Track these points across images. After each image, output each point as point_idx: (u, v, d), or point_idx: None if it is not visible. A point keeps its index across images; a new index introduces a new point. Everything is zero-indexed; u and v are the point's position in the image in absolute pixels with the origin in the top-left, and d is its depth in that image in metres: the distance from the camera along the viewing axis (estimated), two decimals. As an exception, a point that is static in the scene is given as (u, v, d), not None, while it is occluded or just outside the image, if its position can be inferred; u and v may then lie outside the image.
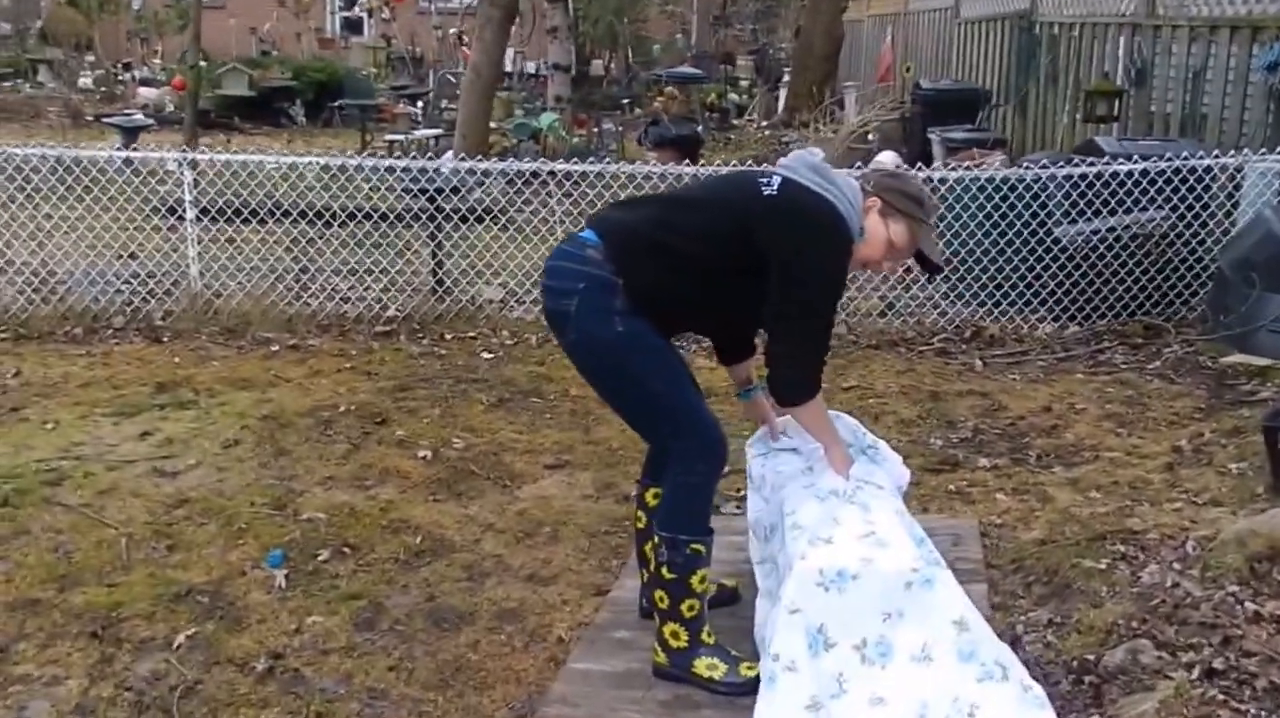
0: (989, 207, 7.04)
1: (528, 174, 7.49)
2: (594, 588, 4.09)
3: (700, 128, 15.52)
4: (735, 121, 17.52)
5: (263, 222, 7.60)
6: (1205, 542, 3.91)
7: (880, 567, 3.12)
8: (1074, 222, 6.93)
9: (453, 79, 16.89)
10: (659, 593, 3.36)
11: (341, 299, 7.48)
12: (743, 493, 4.10)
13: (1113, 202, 6.89)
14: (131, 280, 7.66)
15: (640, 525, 3.59)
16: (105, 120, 15.79)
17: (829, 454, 3.46)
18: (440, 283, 7.59)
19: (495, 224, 8.03)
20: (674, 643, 3.37)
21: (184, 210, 7.48)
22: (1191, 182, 6.83)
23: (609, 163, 7.19)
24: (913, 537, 3.32)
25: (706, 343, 3.85)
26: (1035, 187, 6.97)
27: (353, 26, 27.77)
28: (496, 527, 4.62)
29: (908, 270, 3.62)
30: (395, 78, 21.62)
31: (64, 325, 7.38)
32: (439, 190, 7.28)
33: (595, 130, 15.03)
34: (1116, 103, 9.57)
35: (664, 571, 3.32)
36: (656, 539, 3.34)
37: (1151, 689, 3.14)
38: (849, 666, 3.06)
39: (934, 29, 15.09)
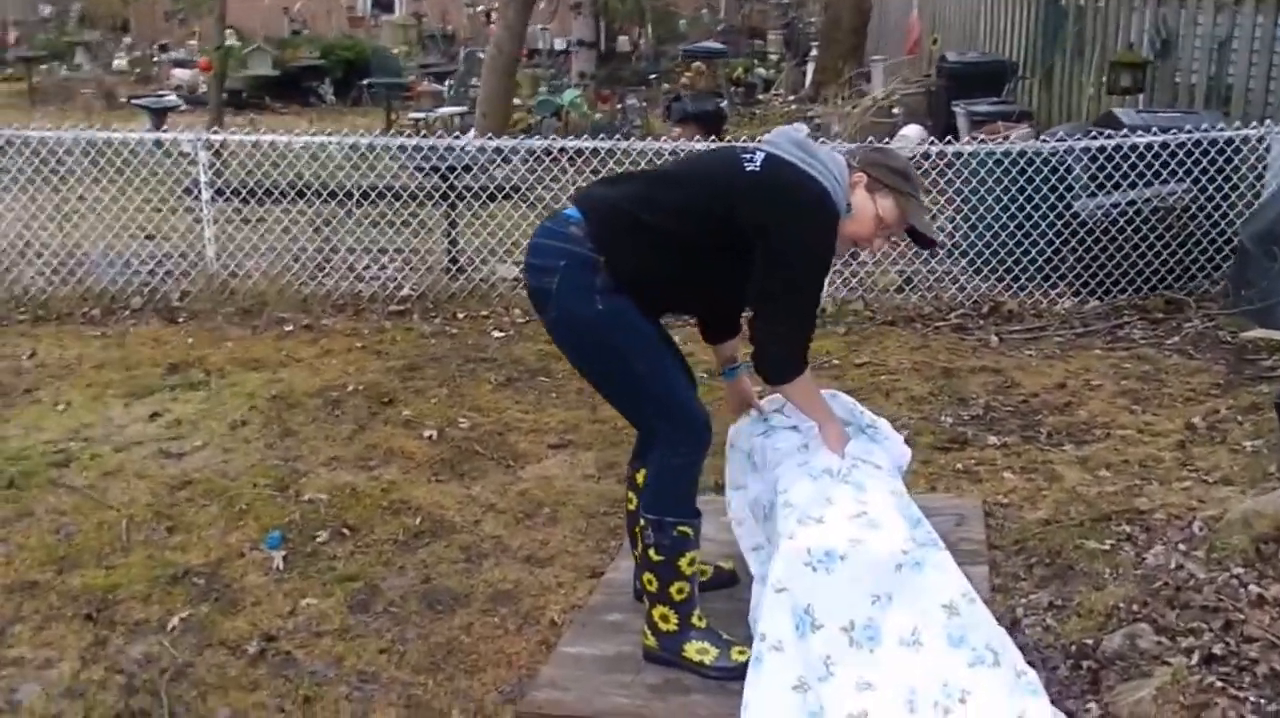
0: (1007, 180, 6.92)
1: (555, 151, 7.39)
2: (590, 570, 4.06)
3: (725, 103, 15.39)
4: (761, 96, 17.36)
5: (277, 201, 7.56)
6: (1212, 522, 3.83)
7: (870, 548, 3.07)
8: (1093, 195, 6.80)
9: (481, 56, 16.81)
10: (647, 576, 3.32)
11: (356, 278, 7.46)
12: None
13: (1132, 174, 6.75)
14: (149, 261, 7.68)
15: (632, 507, 3.54)
16: (134, 102, 15.84)
17: (823, 431, 3.40)
18: (454, 261, 7.56)
19: (514, 202, 7.97)
20: (663, 627, 3.32)
21: (199, 191, 7.47)
22: (1213, 154, 6.69)
23: (618, 139, 7.06)
24: (908, 518, 3.27)
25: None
26: (1054, 160, 6.84)
27: (384, 5, 27.72)
28: (497, 507, 4.59)
29: (915, 244, 3.54)
30: (425, 56, 21.57)
31: (82, 307, 7.40)
32: (451, 169, 7.24)
33: (619, 107, 14.92)
34: (1141, 74, 9.38)
35: (651, 553, 3.28)
36: (643, 522, 3.29)
37: (1149, 676, 3.07)
38: (836, 648, 3.02)
39: (961, 1, 14.88)
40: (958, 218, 7.56)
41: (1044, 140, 6.95)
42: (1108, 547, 3.85)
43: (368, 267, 7.54)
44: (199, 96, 18.04)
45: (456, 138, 7.86)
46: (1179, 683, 2.98)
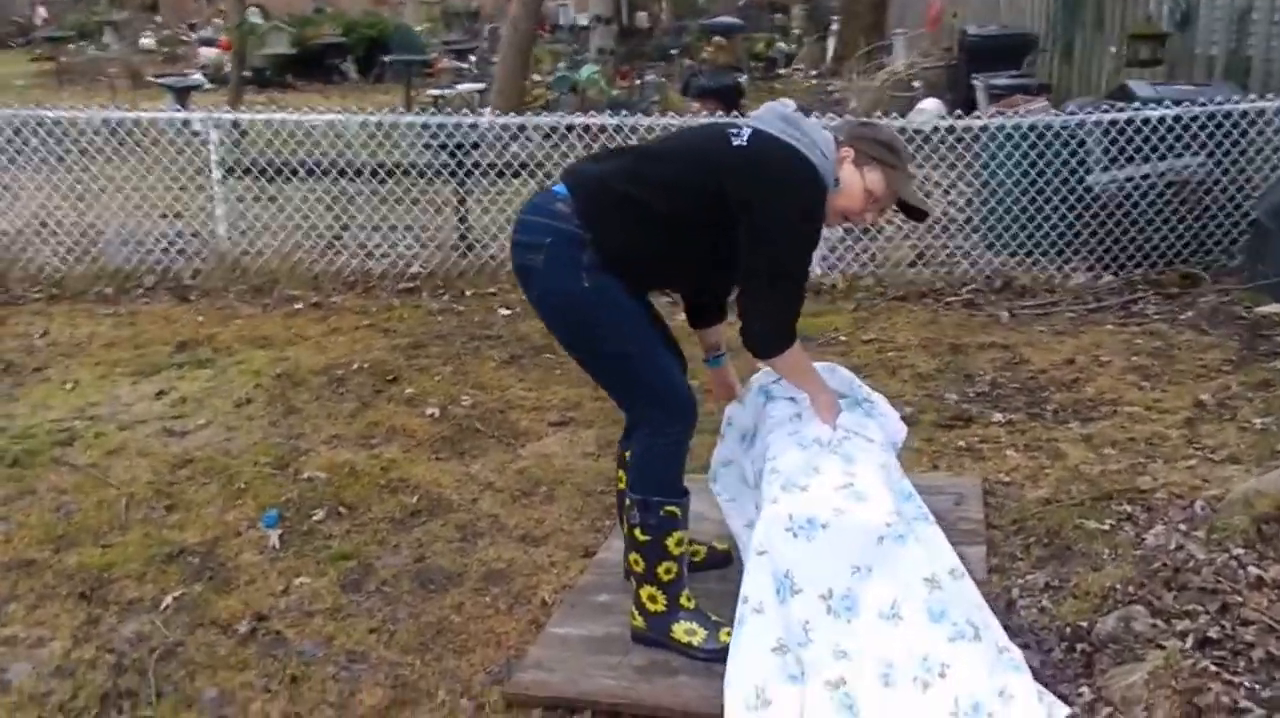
0: (1017, 155, 6.83)
1: (578, 128, 7.32)
2: (583, 549, 4.03)
3: (744, 78, 15.28)
4: (781, 71, 17.23)
5: (287, 180, 7.54)
6: (1215, 502, 3.76)
7: (852, 519, 3.05)
8: (1106, 169, 6.70)
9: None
10: (633, 556, 3.29)
11: (366, 256, 7.45)
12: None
13: (1145, 148, 6.64)
14: (162, 240, 7.69)
15: (622, 486, 3.52)
16: (157, 81, 15.89)
17: (814, 402, 3.38)
18: (463, 238, 7.53)
19: (522, 179, 7.92)
20: (651, 607, 3.30)
21: (209, 170, 7.47)
22: (1228, 126, 6.57)
23: (624, 115, 7.00)
24: (898, 492, 3.24)
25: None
26: (1065, 133, 6.74)
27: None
28: (495, 486, 4.57)
29: (906, 217, 3.50)
30: (449, 33, 21.54)
31: (96, 285, 7.43)
32: (459, 146, 7.20)
33: (638, 82, 14.84)
34: (1161, 46, 9.23)
35: (637, 533, 3.25)
36: (628, 502, 3.26)
37: (1142, 660, 3.02)
38: (815, 614, 3.01)
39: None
40: (969, 192, 7.47)
41: (1053, 114, 6.85)
42: (1107, 527, 3.79)
43: (378, 245, 7.52)
44: (224, 75, 18.08)
45: (469, 114, 7.81)
46: (1172, 667, 2.92)
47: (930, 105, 11.96)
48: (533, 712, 3.16)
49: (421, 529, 4.24)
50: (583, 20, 19.45)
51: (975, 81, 11.18)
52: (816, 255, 6.98)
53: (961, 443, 4.69)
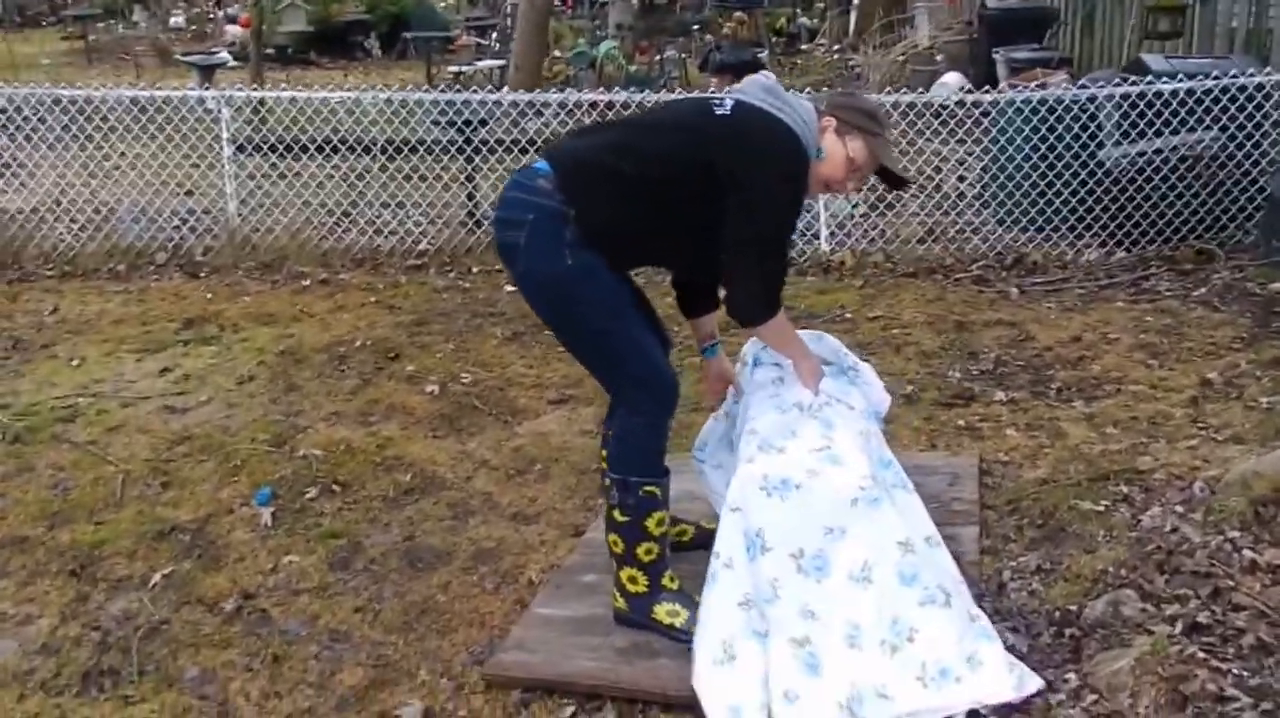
0: (1026, 129, 6.73)
1: (586, 105, 7.27)
2: (574, 528, 4.00)
3: (765, 53, 15.15)
4: (804, 46, 17.07)
5: (297, 157, 7.54)
6: (1214, 483, 3.69)
7: (826, 481, 3.05)
8: (1118, 144, 6.59)
9: (528, 10, 16.69)
10: (612, 537, 3.26)
11: (375, 232, 7.43)
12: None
13: (1158, 122, 6.53)
14: (173, 218, 7.69)
15: (606, 467, 3.48)
16: (182, 58, 15.91)
17: (797, 367, 3.36)
18: (471, 215, 7.50)
19: (530, 156, 7.88)
20: (632, 588, 3.27)
21: (220, 147, 7.47)
22: (1242, 100, 6.45)
23: (634, 92, 6.94)
24: (876, 459, 3.23)
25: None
26: (1075, 108, 6.63)
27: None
28: (490, 463, 4.54)
29: (887, 185, 3.48)
30: (473, 9, 21.47)
31: (108, 263, 7.44)
32: (468, 123, 7.16)
33: (658, 58, 14.74)
34: (1180, 19, 9.08)
35: (616, 514, 3.22)
36: (607, 482, 3.23)
37: (1129, 645, 2.97)
38: (784, 572, 3.00)
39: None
40: (978, 168, 7.38)
41: (1066, 88, 6.74)
42: (1103, 508, 3.73)
43: (387, 222, 7.49)
44: (249, 53, 18.09)
45: (479, 91, 7.76)
46: (1158, 654, 2.88)
47: (952, 79, 11.81)
48: (512, 693, 3.14)
49: (414, 508, 4.23)
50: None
51: (996, 55, 11.04)
52: (824, 233, 6.96)
53: (961, 422, 4.63)
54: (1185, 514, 3.53)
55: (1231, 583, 3.08)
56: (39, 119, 7.61)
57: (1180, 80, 6.53)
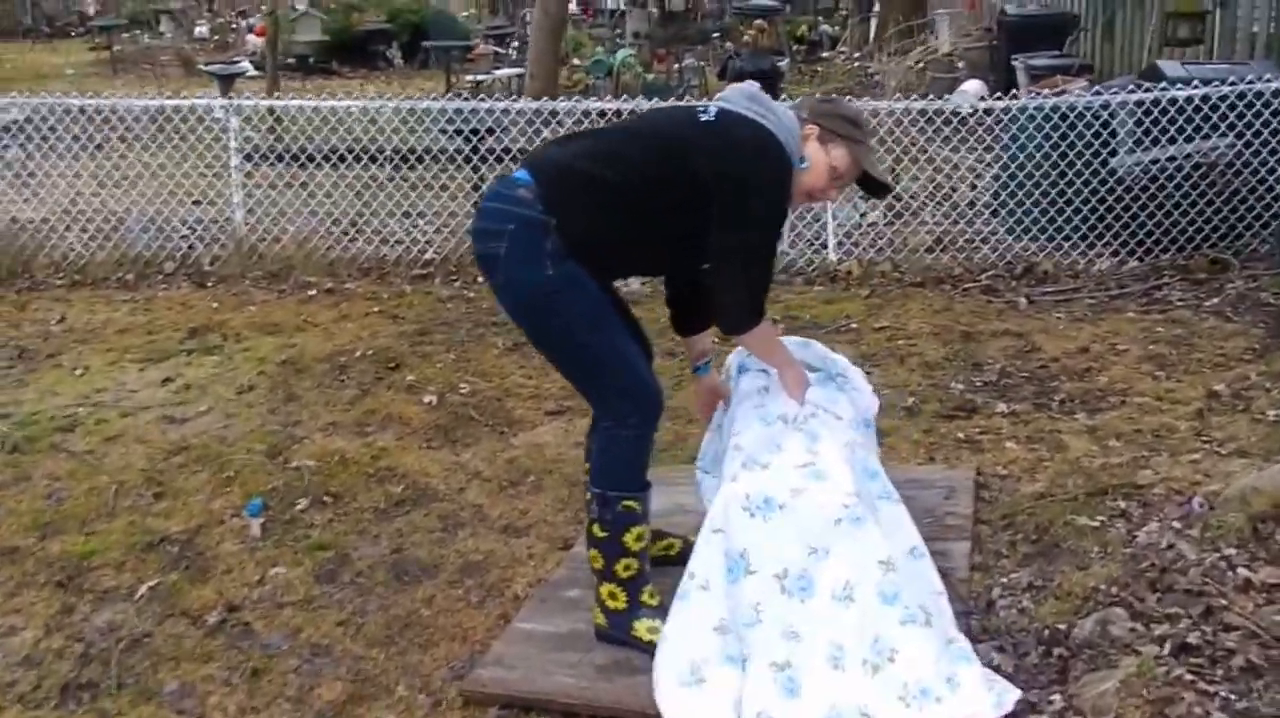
0: (1039, 137, 6.65)
1: (596, 113, 7.23)
2: (563, 541, 3.96)
3: (786, 61, 15.10)
4: (825, 54, 17.01)
5: (303, 166, 7.53)
6: (1214, 498, 3.61)
7: (810, 499, 3.00)
8: (1131, 152, 6.51)
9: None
10: (593, 553, 3.22)
11: (382, 242, 7.41)
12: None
13: (1171, 129, 6.44)
14: (181, 227, 7.70)
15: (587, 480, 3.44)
16: (204, 68, 16.00)
17: (782, 377, 3.33)
18: (479, 224, 7.46)
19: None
20: (611, 604, 3.22)
21: (228, 157, 7.48)
22: (1259, 106, 6.35)
23: (629, 100, 6.89)
24: (862, 470, 3.19)
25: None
26: (1089, 115, 6.55)
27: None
28: (483, 475, 4.51)
29: (868, 193, 3.45)
30: (494, 18, 21.52)
31: (117, 272, 7.45)
32: (474, 131, 7.14)
33: (676, 67, 14.71)
34: (1200, 25, 8.97)
35: (595, 528, 3.18)
36: (588, 496, 3.19)
37: (1116, 666, 2.89)
38: (767, 595, 2.95)
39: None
40: (988, 177, 7.30)
41: (1079, 95, 6.67)
42: (1099, 523, 3.65)
43: (393, 231, 7.47)
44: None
45: (487, 100, 7.75)
46: (1145, 675, 2.80)
47: (972, 87, 11.72)
48: (489, 710, 3.09)
49: (404, 519, 4.19)
50: (622, 4, 19.34)
51: (1016, 62, 10.96)
52: (831, 242, 6.90)
53: (961, 434, 4.56)
54: (1182, 530, 3.45)
55: (1224, 602, 3.00)
56: (49, 128, 7.64)
57: (1196, 87, 6.44)
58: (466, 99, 7.29)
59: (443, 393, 5.28)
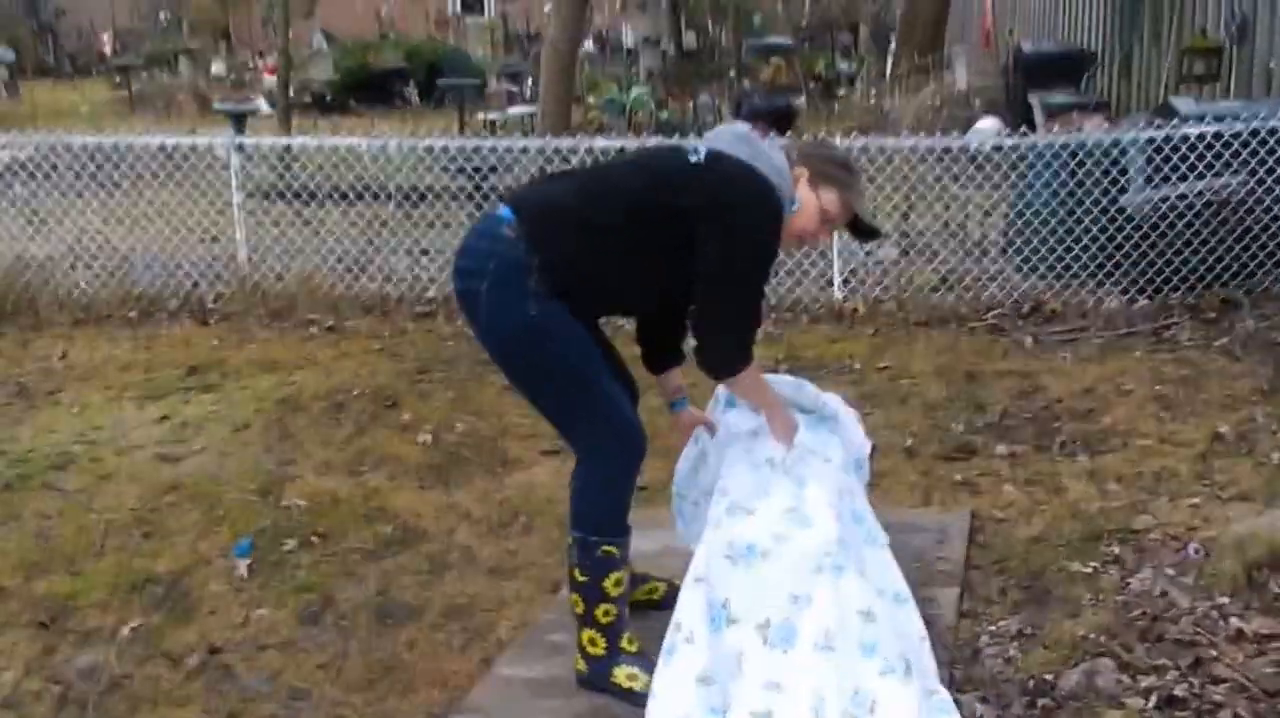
0: (1047, 174, 6.60)
1: (614, 151, 7.21)
2: (552, 584, 3.90)
3: (802, 99, 15.12)
4: (841, 91, 17.00)
5: (305, 203, 7.54)
6: (1210, 544, 3.54)
7: (793, 545, 2.95)
8: (1140, 189, 6.45)
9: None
10: (574, 597, 3.16)
11: (385, 280, 7.40)
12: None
13: (1183, 167, 6.38)
14: (185, 264, 7.71)
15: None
16: (216, 107, 16.14)
17: (770, 422, 3.28)
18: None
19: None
20: (591, 650, 3.16)
21: (230, 194, 7.49)
22: (1272, 143, 6.28)
23: (645, 138, 6.88)
24: (850, 516, 3.14)
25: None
26: (1098, 153, 6.50)
27: (475, 6, 27.90)
28: (474, 516, 4.46)
29: (857, 237, 3.42)
30: (509, 56, 21.66)
31: (122, 309, 7.45)
32: (477, 169, 7.15)
33: (691, 104, 14.73)
34: (1216, 61, 8.90)
35: (575, 573, 3.12)
36: (569, 540, 3.14)
37: (1100, 720, 2.82)
38: (750, 646, 2.89)
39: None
40: (994, 214, 7.25)
41: (1081, 130, 6.62)
42: (1092, 569, 3.58)
43: (395, 269, 7.45)
44: (289, 100, 18.30)
45: (489, 137, 7.74)
46: (1128, 730, 2.73)
47: (987, 125, 11.67)
48: (464, 758, 3.04)
49: (391, 561, 4.14)
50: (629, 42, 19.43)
51: (1032, 99, 10.93)
52: (837, 280, 6.85)
53: (959, 476, 4.49)
54: (1176, 577, 3.39)
55: (1214, 653, 2.93)
56: (51, 166, 7.68)
57: (1208, 123, 6.38)
58: (477, 137, 7.24)
59: (438, 432, 5.24)
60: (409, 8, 25.22)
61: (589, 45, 21.87)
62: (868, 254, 6.93)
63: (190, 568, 4.15)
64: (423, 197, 7.35)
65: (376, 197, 7.56)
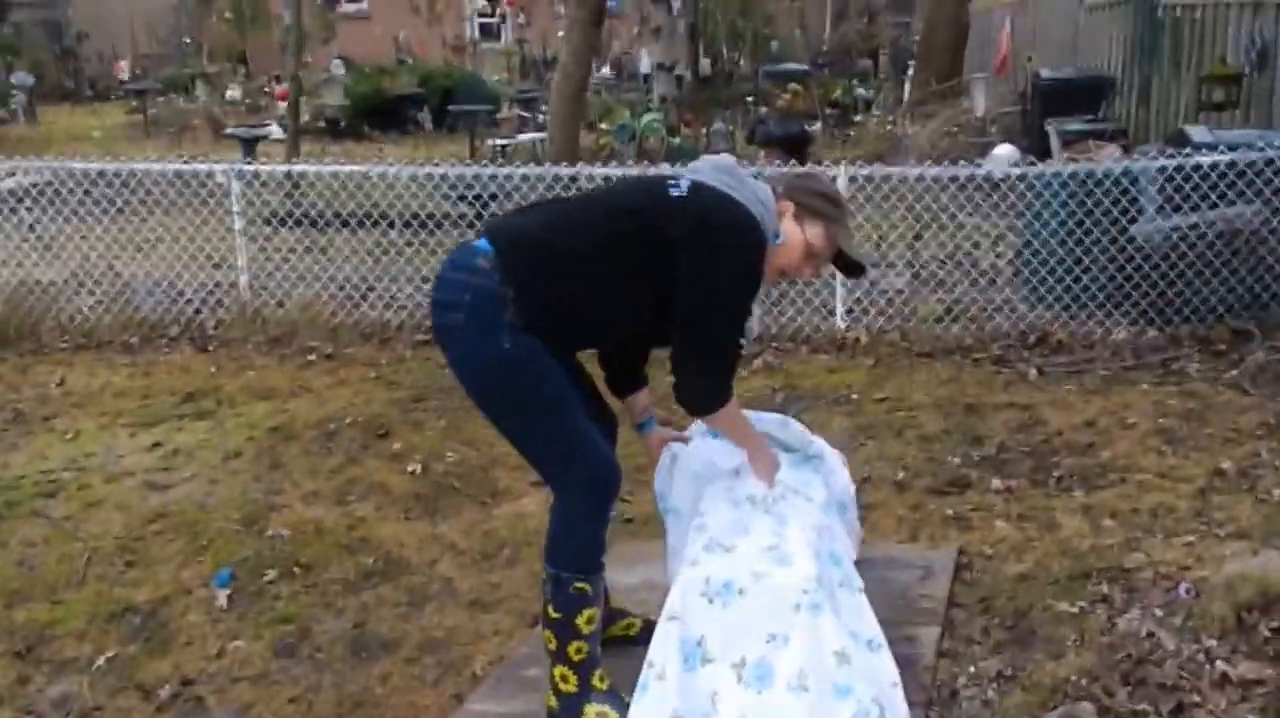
0: (1056, 204, 6.52)
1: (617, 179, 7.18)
2: (532, 618, 3.83)
3: (819, 125, 15.07)
4: (858, 118, 16.95)
5: (306, 231, 7.53)
6: (1202, 584, 3.44)
7: (770, 583, 2.90)
8: (1152, 219, 6.36)
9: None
10: (547, 633, 3.09)
11: (384, 307, 7.36)
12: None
13: (1195, 196, 6.29)
14: (187, 290, 7.70)
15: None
16: (228, 132, 16.21)
17: (751, 459, 3.25)
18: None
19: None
20: (563, 687, 3.09)
21: (231, 220, 7.49)
22: (1286, 172, 6.20)
23: (647, 166, 6.84)
24: (827, 556, 3.08)
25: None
26: (1108, 182, 6.42)
27: (491, 31, 28.04)
28: (458, 547, 4.41)
29: (843, 273, 3.36)
30: (524, 82, 21.71)
31: (123, 335, 7.43)
32: (478, 197, 7.12)
33: (705, 131, 14.70)
34: (1236, 89, 8.79)
35: (549, 610, 3.06)
36: (544, 575, 3.07)
37: (1075, 766, 2.73)
38: (724, 685, 2.85)
39: (1059, 16, 14.32)
40: (1003, 244, 7.17)
41: (1089, 159, 6.54)
42: (1078, 609, 3.48)
43: (395, 296, 7.41)
44: (303, 125, 18.38)
45: (489, 165, 7.73)
46: (1107, 775, 2.64)
47: (1004, 152, 11.59)
48: (428, 798, 2.97)
49: (371, 593, 4.09)
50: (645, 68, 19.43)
51: (1049, 127, 10.83)
52: (840, 309, 6.78)
53: (950, 511, 4.40)
54: (1164, 618, 3.29)
55: (1197, 698, 2.84)
56: (54, 192, 7.69)
57: (1221, 152, 6.29)
58: (485, 164, 7.22)
59: (428, 462, 5.18)
60: (426, 34, 25.34)
61: (606, 71, 21.93)
62: (873, 284, 6.86)
63: (170, 598, 4.12)
64: (424, 224, 7.31)
65: (377, 224, 7.52)
